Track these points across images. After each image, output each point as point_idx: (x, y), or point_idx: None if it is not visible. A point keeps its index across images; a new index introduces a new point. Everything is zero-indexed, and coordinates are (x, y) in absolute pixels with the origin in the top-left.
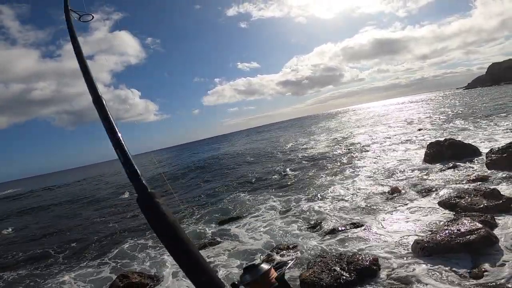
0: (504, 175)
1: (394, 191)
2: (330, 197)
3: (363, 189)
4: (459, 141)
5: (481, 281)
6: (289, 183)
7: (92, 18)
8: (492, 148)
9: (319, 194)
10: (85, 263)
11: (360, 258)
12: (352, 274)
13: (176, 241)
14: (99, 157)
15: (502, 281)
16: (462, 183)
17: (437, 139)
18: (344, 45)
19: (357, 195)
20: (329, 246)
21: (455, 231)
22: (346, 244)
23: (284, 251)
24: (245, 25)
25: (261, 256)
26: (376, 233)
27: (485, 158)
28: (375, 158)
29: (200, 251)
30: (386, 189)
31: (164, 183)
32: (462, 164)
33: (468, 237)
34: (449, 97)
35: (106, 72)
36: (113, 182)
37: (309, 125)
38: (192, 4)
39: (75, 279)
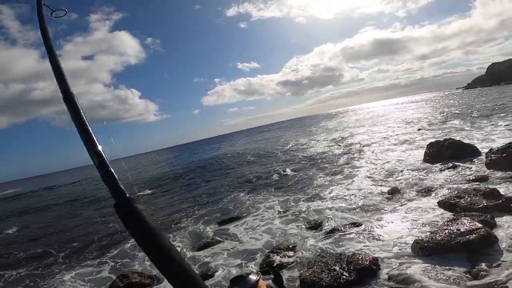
0: (503, 175)
1: (394, 191)
2: (329, 197)
3: (363, 189)
4: (459, 141)
5: (481, 281)
6: (288, 183)
7: (65, 14)
8: (491, 148)
9: (318, 194)
10: (85, 263)
11: (360, 258)
12: (352, 274)
13: (158, 249)
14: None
15: (502, 281)
16: (462, 183)
17: (436, 139)
18: (344, 45)
19: (356, 195)
20: (329, 246)
21: (455, 231)
22: (346, 244)
23: (284, 251)
24: (245, 25)
25: (261, 256)
26: (376, 233)
27: (484, 158)
28: (375, 158)
29: (196, 252)
30: (386, 189)
31: (165, 182)
32: (461, 164)
33: (467, 237)
34: (448, 97)
35: (106, 72)
36: None
37: (309, 125)
38: (192, 4)
39: (75, 279)
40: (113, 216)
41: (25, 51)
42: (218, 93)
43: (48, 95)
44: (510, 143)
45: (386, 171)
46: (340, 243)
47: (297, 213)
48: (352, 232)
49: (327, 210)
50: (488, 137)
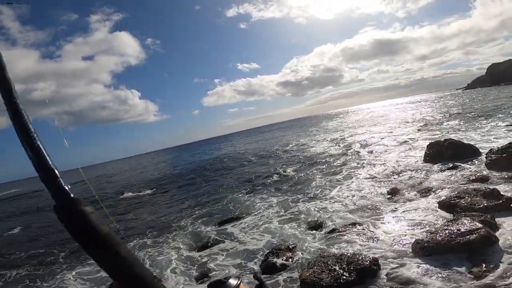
0: (504, 175)
1: (394, 191)
2: (329, 198)
3: (363, 189)
4: (459, 141)
5: (481, 281)
6: (288, 183)
7: (12, 3)
8: (492, 148)
9: (318, 195)
10: (85, 262)
11: (360, 258)
12: (352, 274)
13: (111, 258)
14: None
15: (502, 280)
16: (462, 183)
17: (436, 139)
18: (343, 46)
19: (356, 196)
20: (329, 246)
21: (455, 231)
22: (346, 244)
23: (284, 252)
24: (245, 26)
25: (261, 257)
26: (376, 233)
27: (485, 158)
28: (375, 158)
29: (196, 253)
30: (386, 189)
31: (165, 183)
32: (462, 164)
33: (468, 237)
34: (448, 98)
35: (106, 73)
36: (113, 182)
37: (309, 125)
38: (192, 5)
39: (76, 278)
40: (113, 216)
41: (25, 51)
42: (218, 93)
43: (48, 95)
44: (510, 143)
45: (386, 171)
46: (340, 244)
47: (297, 213)
48: (352, 232)
49: (327, 210)
50: (488, 137)
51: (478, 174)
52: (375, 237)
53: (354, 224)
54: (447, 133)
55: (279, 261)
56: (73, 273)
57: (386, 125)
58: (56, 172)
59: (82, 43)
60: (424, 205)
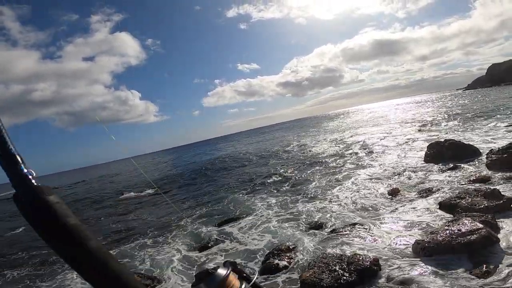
0: (504, 176)
1: (394, 191)
2: (329, 198)
3: (363, 189)
4: (459, 141)
5: (482, 281)
6: (289, 183)
7: None
8: (492, 149)
9: (319, 195)
10: None
11: (360, 258)
12: (353, 275)
13: (80, 252)
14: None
15: (503, 281)
16: (463, 184)
17: (437, 139)
18: (344, 46)
19: (357, 196)
20: (330, 246)
21: (456, 231)
22: (347, 244)
23: (284, 252)
24: (245, 26)
25: (261, 257)
26: (377, 234)
27: (485, 159)
28: (375, 159)
29: (196, 253)
30: (386, 189)
31: (166, 183)
32: (462, 165)
33: (469, 237)
34: (449, 98)
35: (107, 73)
36: (114, 182)
37: (309, 126)
38: (192, 5)
39: (77, 277)
40: (114, 216)
41: (25, 52)
42: (218, 94)
43: (48, 96)
44: (510, 143)
45: (387, 172)
46: (341, 244)
47: (297, 213)
48: (353, 233)
49: (327, 210)
50: (488, 138)
51: (478, 175)
52: (375, 238)
53: (354, 224)
54: (447, 133)
55: (279, 261)
56: (74, 272)
57: (386, 125)
58: (18, 157)
59: (83, 43)
60: (424, 205)
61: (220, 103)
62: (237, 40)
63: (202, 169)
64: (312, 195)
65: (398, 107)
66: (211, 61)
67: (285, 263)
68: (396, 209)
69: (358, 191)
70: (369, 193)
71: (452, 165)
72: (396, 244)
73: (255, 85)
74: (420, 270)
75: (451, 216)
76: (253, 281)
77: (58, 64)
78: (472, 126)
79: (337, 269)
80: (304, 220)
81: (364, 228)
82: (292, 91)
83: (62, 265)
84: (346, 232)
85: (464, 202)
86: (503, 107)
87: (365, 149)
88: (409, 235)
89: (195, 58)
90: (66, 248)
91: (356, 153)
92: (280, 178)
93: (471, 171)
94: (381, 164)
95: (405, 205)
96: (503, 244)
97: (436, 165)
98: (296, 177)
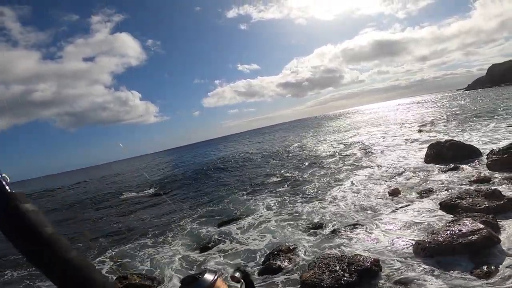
0: (505, 176)
1: (395, 192)
2: (330, 199)
3: (364, 190)
4: (460, 142)
5: (483, 281)
6: (289, 184)
7: None
8: (493, 149)
9: (319, 195)
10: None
11: (361, 259)
12: (353, 275)
13: (58, 263)
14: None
15: (505, 281)
16: (463, 184)
17: (437, 140)
18: (344, 47)
19: (357, 197)
20: (330, 247)
21: (457, 231)
22: (347, 245)
23: (284, 253)
24: (245, 27)
25: (261, 257)
26: (377, 234)
27: (486, 159)
28: (375, 159)
29: (196, 254)
30: (387, 190)
31: (166, 183)
32: (463, 165)
33: (470, 237)
34: (449, 99)
35: (107, 74)
36: (115, 183)
37: (310, 126)
38: (193, 6)
39: None
40: (114, 216)
41: (26, 52)
42: (219, 94)
43: (49, 96)
44: (511, 143)
45: (387, 172)
46: (341, 244)
47: (297, 214)
48: (353, 233)
49: (328, 211)
50: (489, 138)
51: (479, 175)
52: (376, 238)
53: (354, 225)
54: (448, 133)
55: (279, 262)
56: None
57: (387, 126)
58: None
59: (83, 44)
60: (425, 206)
61: (220, 104)
62: (237, 40)
63: (202, 169)
64: (312, 196)
65: (398, 108)
66: (211, 61)
67: (285, 263)
68: (397, 209)
69: (358, 192)
70: (369, 193)
71: (452, 166)
72: (396, 245)
73: (255, 86)
74: (420, 270)
75: (452, 216)
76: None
77: (59, 65)
78: (472, 127)
79: (338, 269)
80: (304, 220)
81: (364, 229)
82: (292, 92)
83: None
84: (346, 233)
85: (464, 203)
86: (503, 107)
87: (365, 149)
88: (410, 235)
89: (195, 58)
90: (42, 259)
91: (356, 154)
92: (280, 179)
93: (472, 172)
94: (381, 165)
95: (406, 205)
96: (504, 244)
97: (436, 166)
98: (296, 178)
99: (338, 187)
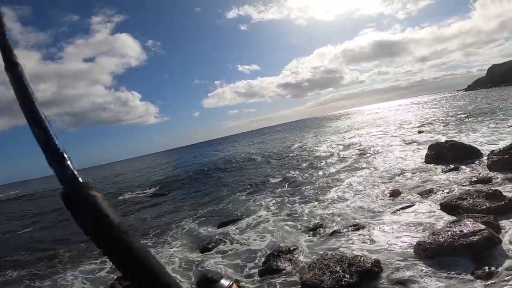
0: (506, 176)
1: (395, 192)
2: (330, 199)
3: (364, 191)
4: (460, 142)
5: (485, 282)
6: (289, 185)
7: None
8: (493, 150)
9: (319, 196)
10: (88, 262)
11: (361, 260)
12: (354, 276)
13: (125, 252)
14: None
15: (506, 282)
16: (464, 185)
17: (437, 140)
18: (344, 47)
19: (357, 197)
20: (330, 248)
21: (458, 232)
22: (347, 246)
23: (285, 254)
24: (245, 28)
25: (261, 258)
26: (378, 235)
27: (486, 160)
28: (376, 160)
29: (196, 254)
30: (387, 190)
31: (166, 184)
32: (463, 166)
33: (471, 238)
34: (449, 99)
35: (107, 74)
36: (116, 183)
37: (310, 127)
38: (193, 7)
39: (77, 277)
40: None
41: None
42: (219, 95)
43: (49, 97)
44: (511, 144)
45: (387, 173)
46: (341, 245)
47: (297, 214)
48: (353, 234)
49: (328, 211)
50: (489, 139)
51: (479, 175)
52: (376, 239)
53: (355, 225)
54: (448, 134)
55: (279, 263)
56: (75, 272)
57: (387, 126)
58: (65, 154)
59: (83, 44)
60: (425, 206)
61: (220, 104)
62: (237, 41)
63: (203, 169)
64: (312, 196)
65: (398, 108)
66: (211, 62)
67: (286, 264)
68: (397, 210)
69: (358, 192)
70: (369, 194)
71: (453, 166)
72: (397, 246)
73: (255, 86)
74: (421, 271)
75: (453, 217)
76: None
77: (59, 65)
78: (472, 127)
79: (338, 270)
80: (304, 221)
81: (364, 230)
82: (292, 92)
83: (65, 265)
84: (347, 233)
85: (465, 203)
86: (504, 107)
87: (365, 150)
88: (411, 236)
89: (195, 59)
90: (112, 247)
91: (356, 154)
92: (281, 179)
93: (472, 172)
94: (381, 165)
95: (406, 206)
96: (505, 245)
97: (436, 166)
98: (297, 178)
99: (338, 187)
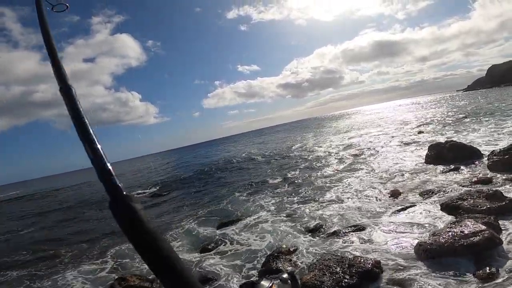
0: (506, 177)
1: (395, 193)
2: (330, 200)
3: (364, 191)
4: (460, 142)
5: (485, 283)
6: (289, 185)
7: (67, 9)
8: (494, 150)
9: (319, 197)
10: (88, 262)
11: (361, 261)
12: (354, 277)
13: (156, 254)
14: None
15: (507, 283)
16: (464, 185)
17: (437, 140)
18: (344, 48)
19: (358, 198)
20: (330, 249)
21: (459, 233)
22: (348, 247)
23: (285, 254)
24: (245, 28)
25: (262, 259)
26: (378, 236)
27: (487, 160)
28: (376, 160)
29: (197, 255)
30: (387, 191)
31: (166, 184)
32: (463, 166)
33: (471, 239)
34: (449, 99)
35: (107, 74)
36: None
37: (309, 127)
38: (193, 7)
39: (77, 277)
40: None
41: (26, 53)
42: (219, 95)
43: (49, 97)
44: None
45: (387, 173)
46: (342, 246)
47: (297, 215)
48: (354, 235)
49: (328, 212)
50: (489, 139)
51: (480, 176)
52: (376, 240)
53: (355, 226)
54: (448, 134)
55: (279, 264)
56: (75, 272)
57: (387, 126)
58: (112, 171)
59: (83, 45)
60: (426, 207)
61: (220, 105)
62: (237, 41)
63: (203, 170)
64: (312, 197)
65: (398, 108)
66: (211, 62)
67: (286, 265)
68: (397, 211)
69: (358, 193)
70: (369, 194)
71: (453, 167)
72: (397, 246)
73: (255, 87)
74: (422, 272)
75: (453, 217)
76: None
77: None
78: (472, 127)
79: (338, 271)
80: (304, 222)
81: (365, 230)
82: (292, 93)
83: (66, 265)
84: (347, 234)
85: (466, 204)
86: (504, 108)
87: (365, 150)
88: (411, 237)
89: (195, 59)
90: (147, 249)
91: (357, 155)
92: (281, 179)
93: (473, 173)
94: (381, 166)
95: (406, 206)
96: (506, 246)
97: (437, 167)
98: (297, 179)
99: (338, 188)
